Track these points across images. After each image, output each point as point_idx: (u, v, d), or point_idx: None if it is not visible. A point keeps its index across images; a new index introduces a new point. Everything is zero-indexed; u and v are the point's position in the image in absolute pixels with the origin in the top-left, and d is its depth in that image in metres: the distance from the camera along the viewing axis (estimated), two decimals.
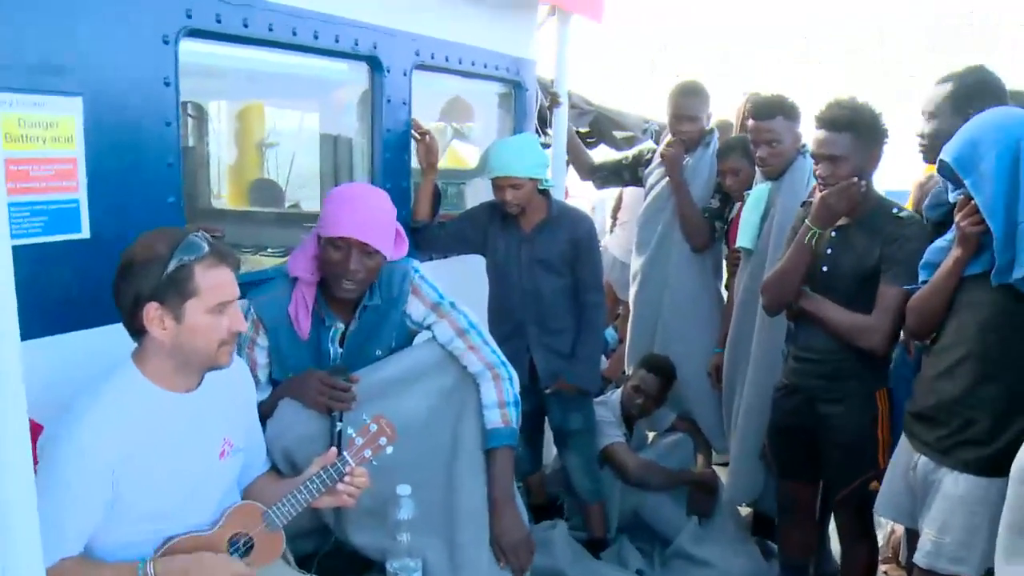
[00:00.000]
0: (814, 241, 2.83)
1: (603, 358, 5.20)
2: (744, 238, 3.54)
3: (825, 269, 2.87)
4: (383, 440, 2.15)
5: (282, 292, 2.46)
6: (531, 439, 3.73)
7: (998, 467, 2.22)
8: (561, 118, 4.25)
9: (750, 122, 3.52)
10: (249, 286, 2.40)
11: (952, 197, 2.43)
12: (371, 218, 2.38)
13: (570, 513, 3.84)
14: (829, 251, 2.86)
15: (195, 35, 2.42)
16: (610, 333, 5.85)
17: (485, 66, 3.79)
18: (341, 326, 2.49)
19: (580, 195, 7.65)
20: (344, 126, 3.91)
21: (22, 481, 1.36)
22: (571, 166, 4.72)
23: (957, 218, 2.36)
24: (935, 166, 2.46)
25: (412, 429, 2.35)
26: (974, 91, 2.63)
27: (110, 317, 2.06)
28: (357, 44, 3.01)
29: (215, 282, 1.84)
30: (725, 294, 4.19)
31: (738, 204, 3.84)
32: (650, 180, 4.25)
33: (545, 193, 3.41)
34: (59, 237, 2.10)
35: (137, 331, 1.86)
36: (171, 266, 1.79)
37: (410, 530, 2.28)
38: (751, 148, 3.59)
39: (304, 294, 2.43)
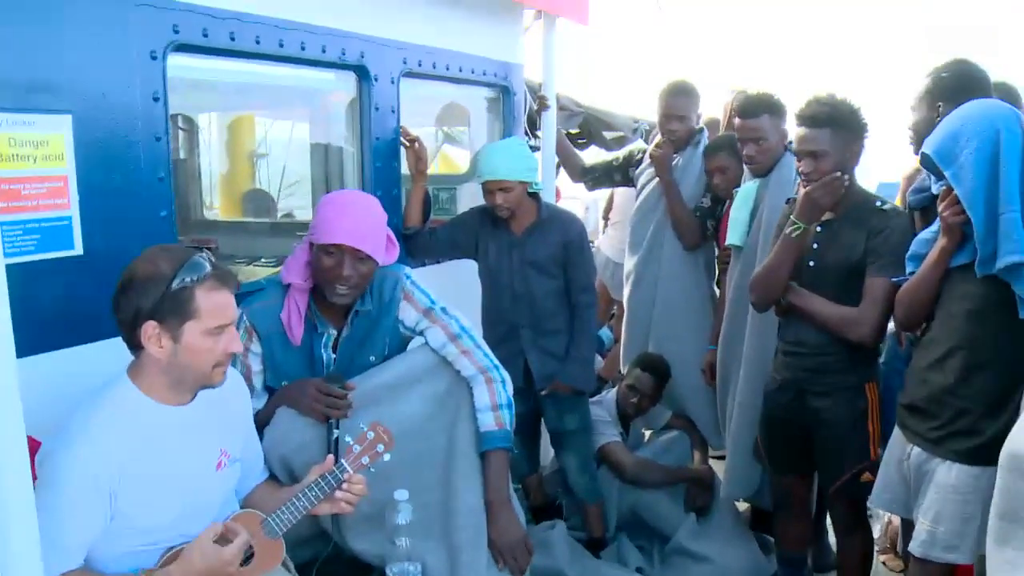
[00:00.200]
0: (798, 235, 2.85)
1: (598, 358, 5.23)
2: (733, 236, 3.56)
3: (812, 264, 2.89)
4: (380, 447, 2.17)
5: (275, 300, 2.48)
6: (528, 441, 3.75)
7: (989, 456, 2.24)
8: (549, 121, 4.27)
9: (736, 120, 3.54)
10: (242, 295, 2.42)
11: (935, 188, 2.46)
12: (363, 224, 2.40)
13: (569, 513, 3.85)
14: (815, 246, 2.89)
15: (183, 50, 2.44)
16: (605, 333, 5.86)
17: (473, 71, 3.82)
18: (334, 332, 2.50)
19: (572, 196, 7.68)
20: (334, 135, 3.93)
21: (21, 496, 1.37)
22: (563, 169, 4.75)
23: (940, 208, 2.39)
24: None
25: (408, 434, 2.37)
26: (947, 85, 2.67)
27: (105, 333, 2.09)
28: (344, 54, 3.04)
29: (215, 305, 1.86)
30: (717, 292, 4.22)
31: (728, 202, 3.86)
32: (641, 180, 4.26)
33: (535, 196, 3.43)
34: (52, 254, 2.12)
35: (135, 345, 1.87)
36: (172, 286, 1.81)
37: (408, 534, 2.29)
38: (738, 146, 3.61)
39: (297, 301, 2.45)
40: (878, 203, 2.84)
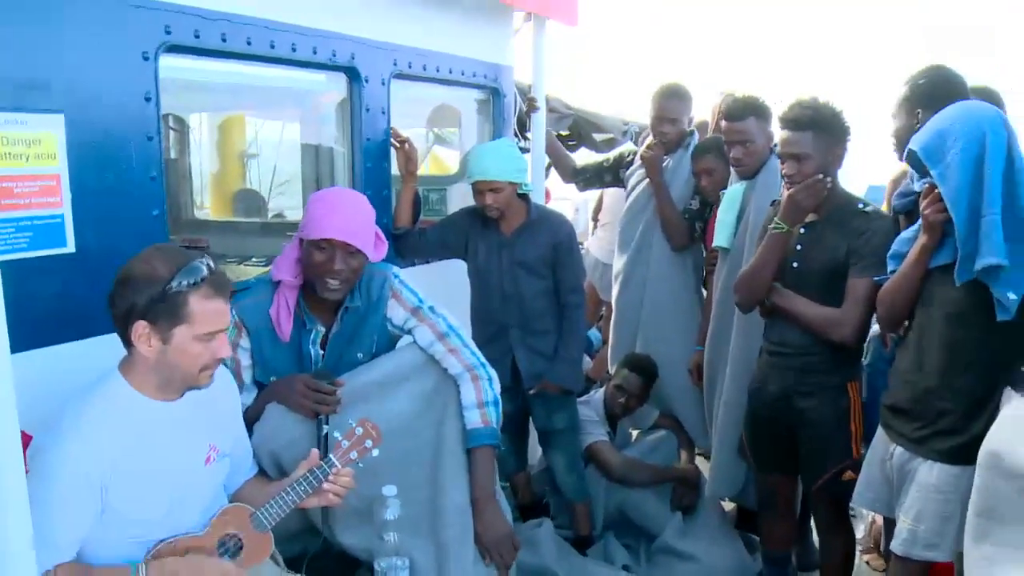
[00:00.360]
0: (782, 237, 2.89)
1: (587, 359, 5.25)
2: (720, 237, 3.59)
3: (795, 265, 2.93)
4: (369, 442, 2.20)
5: (265, 296, 2.50)
6: (516, 440, 3.78)
7: (969, 456, 2.27)
8: (539, 123, 4.29)
9: (723, 123, 3.57)
10: (232, 293, 2.44)
11: (917, 186, 2.49)
12: (353, 220, 2.43)
13: (556, 512, 3.87)
14: (799, 247, 2.92)
15: (174, 51, 2.46)
16: (594, 334, 5.89)
17: (463, 73, 3.84)
18: (322, 329, 2.52)
19: (563, 198, 7.69)
20: (325, 136, 3.95)
21: (14, 489, 1.39)
22: (554, 169, 4.77)
23: (922, 206, 2.42)
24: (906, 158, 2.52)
25: (396, 431, 2.40)
26: (925, 91, 2.70)
27: (96, 330, 2.12)
28: (335, 55, 3.06)
29: (207, 312, 1.87)
30: (705, 293, 4.25)
31: (716, 205, 3.89)
32: (631, 181, 4.30)
33: (525, 197, 3.46)
34: (45, 252, 2.14)
35: (127, 341, 1.89)
36: (167, 289, 1.82)
37: (396, 529, 2.32)
38: (725, 149, 3.65)
39: (286, 297, 2.47)
40: (861, 205, 2.88)
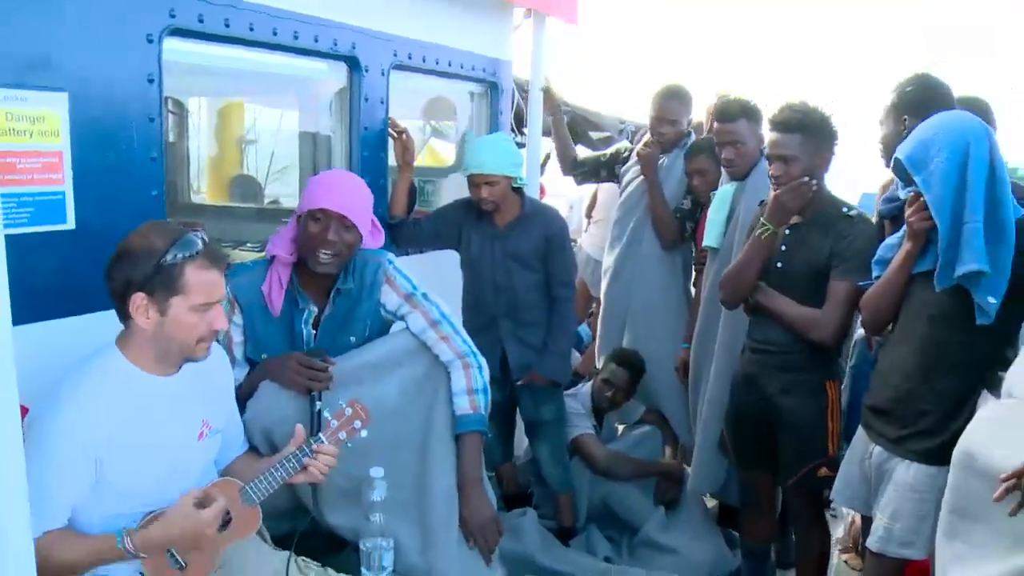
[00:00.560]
0: (768, 238, 2.93)
1: (576, 354, 5.29)
2: (710, 237, 3.63)
3: (780, 265, 2.97)
4: (357, 423, 2.23)
5: (259, 274, 2.53)
6: (503, 430, 3.82)
7: (946, 456, 2.31)
8: (535, 118, 4.33)
9: (715, 124, 3.62)
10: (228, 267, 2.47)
11: (902, 194, 2.55)
12: (350, 195, 2.47)
13: (540, 503, 3.90)
14: (784, 248, 2.97)
15: (178, 34, 2.49)
16: (584, 330, 5.92)
17: (462, 66, 3.87)
18: (315, 309, 2.55)
19: (558, 194, 7.72)
20: (323, 124, 3.97)
21: (12, 460, 1.41)
22: (555, 160, 4.79)
23: (907, 213, 2.47)
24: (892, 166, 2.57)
25: (386, 414, 2.43)
26: (914, 98, 2.75)
27: (94, 305, 2.14)
28: (336, 44, 3.09)
29: (203, 283, 1.91)
30: (693, 292, 4.29)
31: (707, 205, 3.93)
32: (626, 178, 4.34)
33: (519, 191, 3.50)
34: (45, 228, 2.17)
35: (124, 316, 1.93)
36: (164, 261, 1.86)
37: (382, 511, 2.35)
38: (717, 150, 3.69)
39: (279, 273, 2.50)
40: (845, 209, 2.92)
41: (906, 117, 2.72)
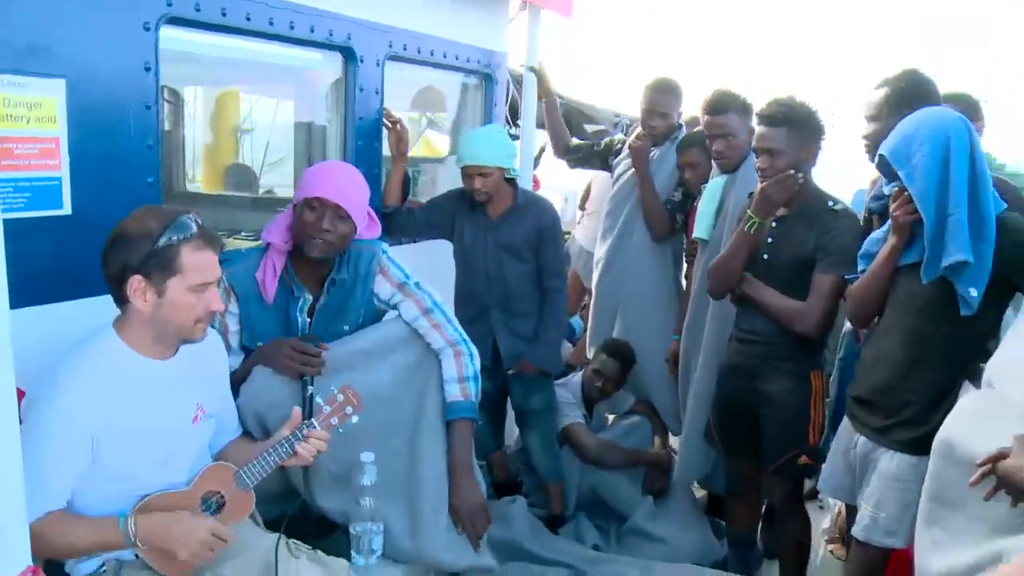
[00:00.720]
0: (755, 230, 2.97)
1: (568, 345, 5.32)
2: (700, 229, 3.66)
3: (766, 257, 3.02)
4: (349, 409, 2.26)
5: (254, 262, 2.55)
6: (493, 419, 3.85)
7: (929, 446, 2.32)
8: (529, 110, 4.35)
9: (705, 117, 3.64)
10: (222, 260, 2.49)
11: (887, 190, 2.58)
12: (346, 186, 2.50)
13: (530, 491, 3.94)
14: (770, 240, 3.01)
15: (175, 23, 2.50)
16: (576, 322, 5.94)
17: (457, 58, 3.89)
18: (310, 298, 2.58)
19: (552, 187, 7.73)
20: (318, 114, 3.99)
21: (9, 443, 1.43)
22: (549, 142, 4.80)
23: (892, 208, 2.51)
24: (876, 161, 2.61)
25: (378, 400, 2.47)
26: (908, 93, 2.78)
27: (90, 290, 2.16)
28: (332, 34, 3.11)
29: (199, 263, 1.94)
30: (684, 284, 4.32)
31: (697, 197, 3.96)
32: (618, 170, 4.36)
33: (512, 182, 3.52)
34: (42, 213, 2.19)
35: (121, 300, 1.95)
36: (159, 243, 1.89)
37: (373, 495, 2.39)
38: (707, 142, 3.71)
39: (274, 260, 2.53)
40: (831, 203, 2.96)
41: (904, 111, 2.75)
